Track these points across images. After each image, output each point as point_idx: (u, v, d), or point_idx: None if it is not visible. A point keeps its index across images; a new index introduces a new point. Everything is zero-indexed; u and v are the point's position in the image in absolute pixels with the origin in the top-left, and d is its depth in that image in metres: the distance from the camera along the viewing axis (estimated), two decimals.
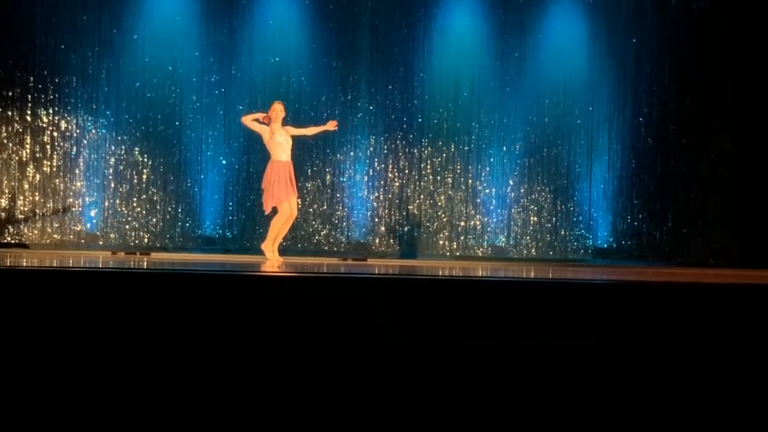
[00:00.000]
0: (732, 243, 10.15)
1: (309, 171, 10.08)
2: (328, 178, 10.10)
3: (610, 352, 3.92)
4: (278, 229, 7.62)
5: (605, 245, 10.37)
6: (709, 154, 10.29)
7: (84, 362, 3.61)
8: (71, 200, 9.71)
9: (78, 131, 9.76)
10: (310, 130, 8.17)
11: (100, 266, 5.06)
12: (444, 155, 10.29)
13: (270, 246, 7.52)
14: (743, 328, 4.06)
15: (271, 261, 7.32)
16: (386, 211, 10.15)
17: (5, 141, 9.62)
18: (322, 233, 10.14)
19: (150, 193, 9.91)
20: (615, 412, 3.83)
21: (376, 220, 10.16)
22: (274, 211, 7.53)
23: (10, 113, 9.59)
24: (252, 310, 3.82)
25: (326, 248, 9.99)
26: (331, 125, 7.93)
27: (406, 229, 10.22)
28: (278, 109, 7.65)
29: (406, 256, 9.94)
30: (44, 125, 9.67)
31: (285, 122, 7.65)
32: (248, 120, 7.65)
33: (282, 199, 7.49)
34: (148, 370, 3.62)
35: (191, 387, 3.62)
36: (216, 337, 3.71)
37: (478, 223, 10.30)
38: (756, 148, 10.13)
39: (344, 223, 10.16)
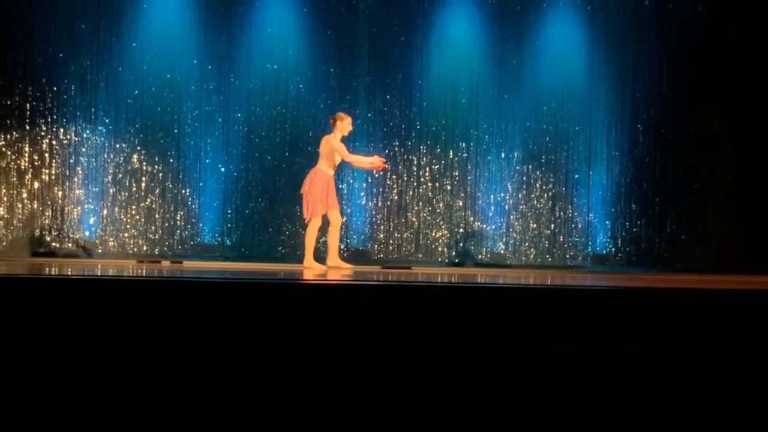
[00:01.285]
0: (731, 249, 10.15)
1: None
2: None
3: (609, 357, 3.92)
4: (313, 242, 7.74)
5: (604, 251, 10.38)
6: (708, 160, 10.29)
7: (118, 371, 3.63)
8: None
9: (77, 139, 9.76)
10: (358, 161, 8.09)
11: (143, 275, 5.05)
12: (442, 162, 10.30)
13: (311, 260, 7.68)
14: (743, 333, 4.06)
15: (317, 269, 7.42)
16: (385, 218, 10.16)
17: (4, 149, 9.62)
18: (321, 240, 10.13)
19: (149, 200, 9.91)
20: (614, 417, 3.83)
21: (375, 227, 10.16)
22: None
23: (8, 122, 9.59)
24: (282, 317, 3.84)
25: (325, 255, 9.96)
26: (378, 163, 7.88)
27: (405, 236, 10.22)
28: (349, 123, 7.81)
29: (404, 263, 9.93)
30: (43, 133, 9.67)
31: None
32: (353, 159, 7.87)
33: (318, 211, 7.60)
34: (186, 379, 3.64)
35: (228, 400, 3.63)
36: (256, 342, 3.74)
37: (476, 229, 10.31)
38: (755, 153, 10.14)
39: (343, 231, 10.14)
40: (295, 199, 10.03)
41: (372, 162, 7.95)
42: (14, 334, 3.65)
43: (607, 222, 10.39)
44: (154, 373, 3.64)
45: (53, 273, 5.10)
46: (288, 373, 3.70)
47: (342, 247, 10.08)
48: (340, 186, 10.10)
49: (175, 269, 7.06)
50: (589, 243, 10.40)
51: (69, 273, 5.15)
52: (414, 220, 10.15)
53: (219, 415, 3.62)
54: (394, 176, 10.21)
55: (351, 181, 10.16)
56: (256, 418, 3.63)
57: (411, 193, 10.17)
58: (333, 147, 7.71)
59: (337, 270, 7.46)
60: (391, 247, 10.16)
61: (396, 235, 10.18)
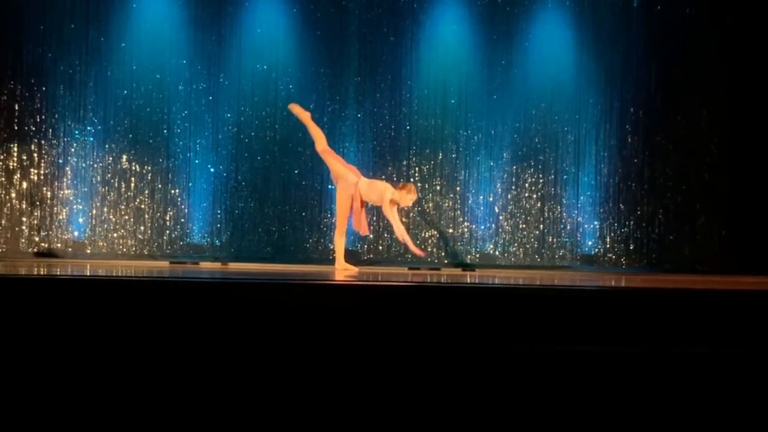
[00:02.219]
0: (719, 249, 10.21)
1: (297, 178, 10.09)
2: (316, 185, 10.11)
3: (597, 357, 3.93)
4: (343, 244, 7.83)
5: (592, 252, 10.41)
6: (696, 161, 10.35)
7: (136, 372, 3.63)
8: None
9: (66, 139, 9.74)
10: (401, 233, 7.80)
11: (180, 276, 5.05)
12: (432, 162, 10.32)
13: (342, 261, 7.72)
14: (730, 333, 4.08)
15: (349, 270, 7.45)
16: (374, 218, 10.16)
17: None
18: (310, 241, 10.15)
19: (138, 201, 9.89)
20: (600, 417, 3.84)
21: None
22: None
23: None
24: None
25: (315, 256, 10.00)
26: (418, 252, 7.78)
27: (394, 236, 10.22)
28: (411, 199, 7.73)
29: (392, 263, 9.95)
30: (31, 133, 9.64)
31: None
32: (397, 229, 7.77)
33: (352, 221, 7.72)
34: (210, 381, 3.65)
35: (244, 403, 3.64)
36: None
37: (466, 230, 10.33)
38: (743, 154, 10.20)
39: (332, 231, 10.14)
40: (285, 199, 10.08)
41: (414, 249, 7.75)
42: (7, 336, 3.64)
43: (595, 222, 10.42)
44: (163, 376, 3.64)
45: (71, 273, 5.09)
46: (300, 375, 3.71)
47: (331, 247, 10.09)
48: (329, 187, 10.11)
49: (191, 269, 7.06)
50: (578, 243, 10.43)
51: (82, 273, 5.14)
52: (404, 220, 10.15)
53: (231, 418, 3.63)
54: (383, 176, 10.20)
55: None
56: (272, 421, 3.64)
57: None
58: (384, 204, 7.59)
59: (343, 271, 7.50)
60: (380, 248, 10.17)
61: (386, 235, 10.19)
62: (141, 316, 3.77)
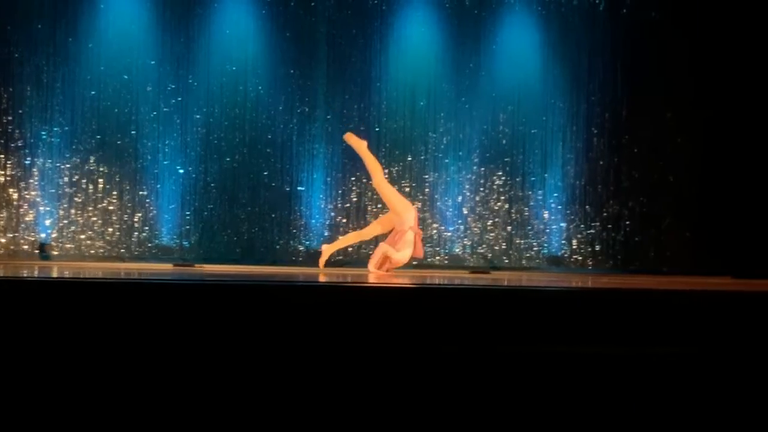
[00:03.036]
0: (684, 250, 10.34)
1: (266, 179, 10.08)
2: (285, 187, 10.11)
3: (562, 358, 3.98)
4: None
5: (559, 253, 10.51)
6: (661, 163, 10.49)
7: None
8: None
9: (32, 140, 9.65)
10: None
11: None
12: (401, 164, 10.36)
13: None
14: (694, 333, 4.15)
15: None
16: (344, 219, 10.19)
17: None
18: (280, 242, 10.15)
19: (106, 202, 9.84)
20: (569, 418, 3.89)
21: (334, 229, 10.19)
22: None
23: None
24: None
25: (284, 258, 10.00)
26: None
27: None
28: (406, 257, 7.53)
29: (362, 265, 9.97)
30: None
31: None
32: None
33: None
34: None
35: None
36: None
37: (434, 231, 10.38)
38: (708, 156, 10.34)
39: (302, 232, 10.17)
40: (254, 200, 10.07)
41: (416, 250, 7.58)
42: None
43: (562, 224, 10.53)
44: (151, 380, 3.65)
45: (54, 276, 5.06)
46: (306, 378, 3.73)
47: (302, 248, 10.11)
48: (298, 188, 10.12)
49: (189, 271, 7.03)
50: (545, 245, 10.52)
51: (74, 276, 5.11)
52: (371, 220, 10.17)
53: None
54: (353, 178, 10.24)
55: (311, 182, 10.17)
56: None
57: (370, 194, 10.21)
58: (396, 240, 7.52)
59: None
60: (350, 249, 10.19)
61: None
62: (120, 320, 3.77)
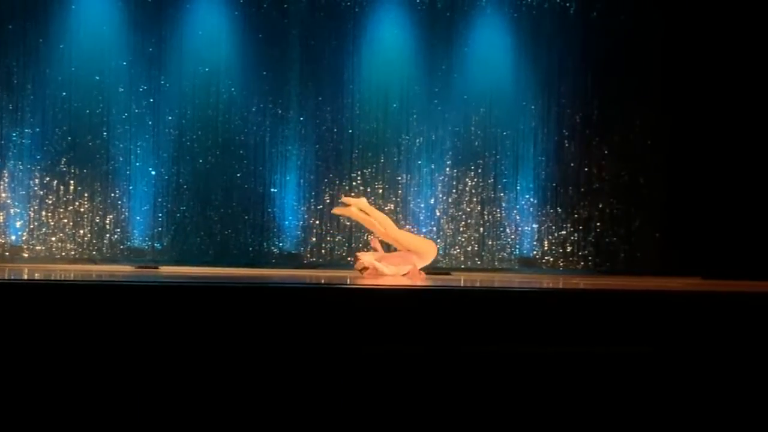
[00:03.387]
0: (653, 251, 10.45)
1: (239, 181, 10.07)
2: (258, 188, 10.10)
3: (533, 358, 4.01)
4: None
5: (530, 255, 10.58)
6: (631, 165, 10.59)
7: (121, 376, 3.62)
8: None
9: (2, 142, 9.57)
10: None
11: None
12: (374, 166, 10.38)
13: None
14: (664, 333, 4.21)
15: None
16: (317, 221, 10.20)
17: None
18: (253, 244, 10.13)
19: (77, 204, 9.77)
20: (536, 416, 3.93)
21: (307, 230, 10.19)
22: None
23: None
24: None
25: (258, 260, 9.98)
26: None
27: (337, 239, 10.27)
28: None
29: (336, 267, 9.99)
30: None
31: None
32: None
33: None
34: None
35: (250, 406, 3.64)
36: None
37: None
38: (677, 159, 10.45)
39: (275, 234, 10.16)
40: (227, 202, 10.05)
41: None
42: None
43: (534, 226, 10.60)
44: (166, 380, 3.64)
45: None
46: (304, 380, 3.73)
47: (275, 250, 10.10)
48: (272, 189, 10.11)
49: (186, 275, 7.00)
50: (517, 246, 10.59)
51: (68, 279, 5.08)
52: (347, 223, 10.20)
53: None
54: (326, 180, 10.25)
55: (284, 184, 10.16)
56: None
57: (343, 196, 10.21)
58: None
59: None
60: (323, 251, 10.20)
61: (328, 238, 10.23)
62: (108, 321, 3.77)
